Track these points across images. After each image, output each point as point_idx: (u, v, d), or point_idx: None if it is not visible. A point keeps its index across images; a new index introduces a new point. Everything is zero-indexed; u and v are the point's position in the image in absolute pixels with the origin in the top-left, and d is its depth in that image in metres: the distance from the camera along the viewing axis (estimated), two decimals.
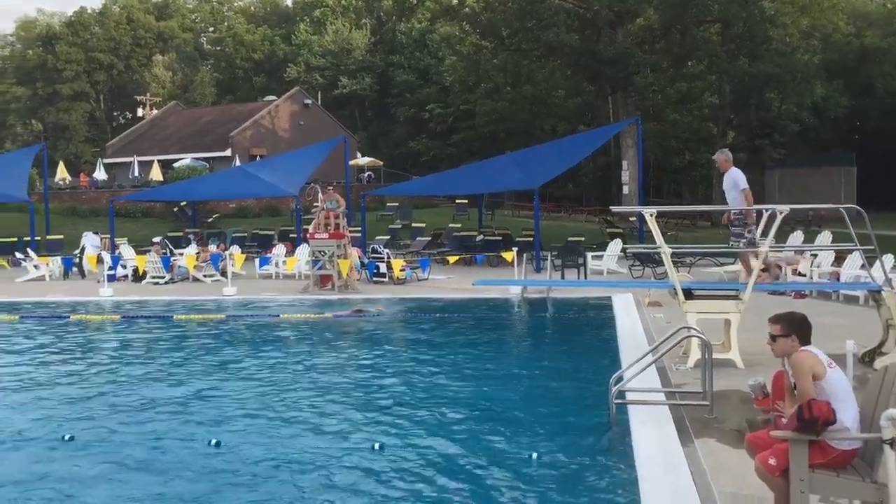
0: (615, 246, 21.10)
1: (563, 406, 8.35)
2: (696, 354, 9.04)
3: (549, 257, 18.71)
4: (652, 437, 6.75)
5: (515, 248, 19.11)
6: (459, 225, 29.61)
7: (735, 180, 11.63)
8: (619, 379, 7.52)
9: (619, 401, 7.38)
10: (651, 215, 9.47)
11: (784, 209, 9.28)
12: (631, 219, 27.41)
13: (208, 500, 5.93)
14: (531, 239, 22.93)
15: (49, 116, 65.90)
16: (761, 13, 33.25)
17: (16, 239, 26.45)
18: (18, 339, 13.28)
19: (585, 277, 18.95)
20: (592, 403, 8.00)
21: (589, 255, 20.21)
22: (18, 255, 23.59)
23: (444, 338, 13.10)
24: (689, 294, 9.52)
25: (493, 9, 34.70)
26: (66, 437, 7.36)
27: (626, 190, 32.01)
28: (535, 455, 6.67)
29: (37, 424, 7.96)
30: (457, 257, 19.57)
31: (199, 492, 6.08)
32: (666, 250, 9.38)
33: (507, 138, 46.27)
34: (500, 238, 24.46)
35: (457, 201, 37.07)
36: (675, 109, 42.98)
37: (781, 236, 16.17)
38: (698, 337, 7.83)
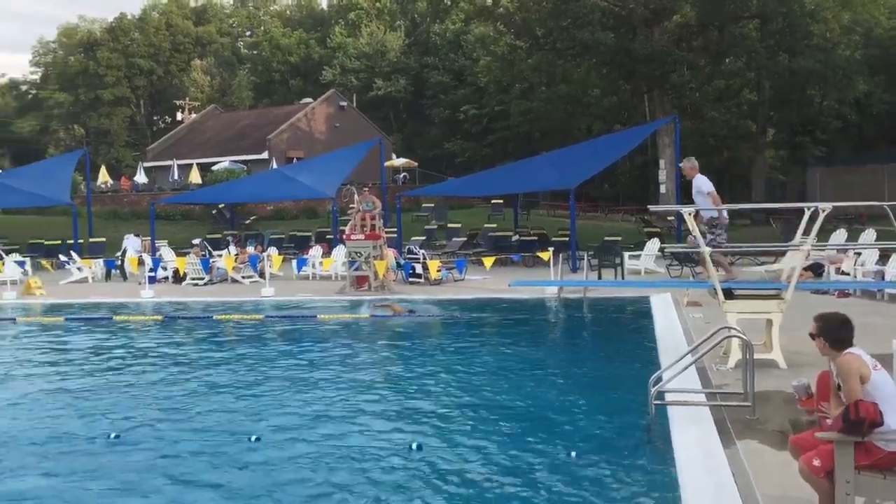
0: (653, 245, 20.91)
1: (601, 406, 8.30)
2: (736, 355, 8.92)
3: (585, 257, 18.60)
4: (692, 438, 6.68)
5: (551, 248, 19.04)
6: (495, 225, 29.58)
7: (699, 186, 11.51)
8: (659, 379, 7.45)
9: (659, 402, 7.31)
10: (690, 214, 9.37)
11: (826, 207, 9.12)
12: (669, 218, 27.14)
13: (244, 496, 5.99)
14: (567, 239, 22.83)
15: (91, 121, 67.11)
16: (801, 8, 32.67)
17: (60, 242, 27.01)
18: (64, 341, 13.56)
19: (623, 277, 18.81)
20: (631, 404, 7.93)
21: (626, 254, 20.07)
22: (62, 257, 24.07)
23: (480, 338, 13.10)
24: (729, 294, 9.40)
25: (527, 8, 34.57)
26: (112, 436, 7.51)
27: (663, 189, 31.70)
28: (573, 454, 6.64)
29: (83, 423, 8.12)
30: (493, 259, 19.48)
31: (237, 488, 6.15)
32: (705, 249, 9.27)
33: (542, 138, 46.08)
34: (535, 238, 24.39)
35: (492, 202, 37.02)
36: (713, 107, 42.40)
37: (824, 234, 15.89)
38: (739, 337, 7.73)
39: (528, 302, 16.41)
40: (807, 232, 9.75)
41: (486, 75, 46.56)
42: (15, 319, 15.92)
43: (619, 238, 23.76)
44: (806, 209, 9.98)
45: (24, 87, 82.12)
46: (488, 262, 18.98)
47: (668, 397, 7.51)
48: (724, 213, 11.59)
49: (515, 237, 25.14)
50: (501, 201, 35.69)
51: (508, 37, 38.32)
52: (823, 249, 15.38)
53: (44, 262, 24.02)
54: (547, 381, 9.71)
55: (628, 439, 7.09)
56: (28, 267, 22.21)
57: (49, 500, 6.04)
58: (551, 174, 24.53)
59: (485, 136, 51.00)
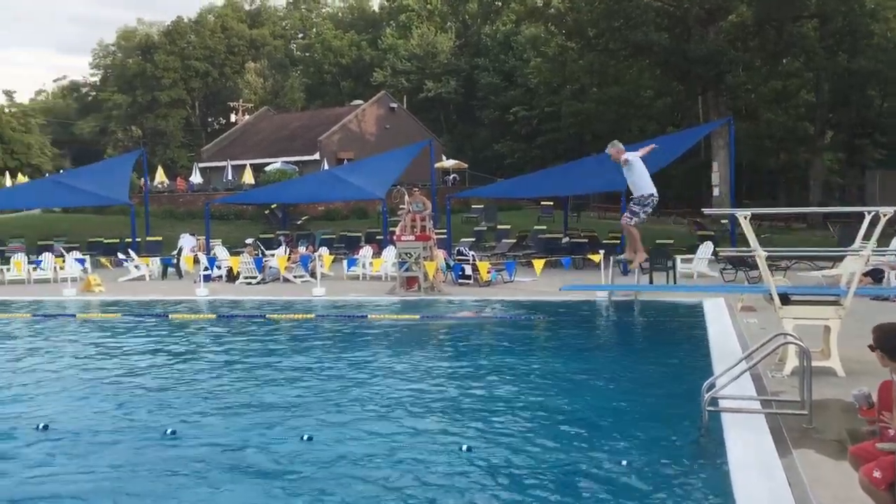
0: (705, 249, 20.60)
1: (652, 413, 8.21)
2: (793, 362, 8.74)
3: None
4: (747, 446, 6.56)
5: (602, 251, 18.88)
6: (545, 227, 29.47)
7: (625, 159, 12.61)
8: (712, 386, 7.34)
9: (712, 408, 7.20)
10: (745, 217, 9.21)
11: (888, 211, 8.88)
12: (722, 221, 26.69)
13: (297, 494, 6.08)
14: (618, 242, 22.61)
15: (148, 123, 68.68)
16: (861, 7, 31.86)
17: (118, 240, 27.69)
18: (121, 337, 13.90)
19: (675, 281, 18.58)
20: (683, 411, 7.83)
21: (678, 258, 19.80)
22: (121, 255, 24.67)
23: (530, 341, 13.07)
24: (785, 299, 9.21)
25: (579, 9, 34.33)
26: (169, 432, 7.68)
27: (716, 192, 31.19)
28: (624, 462, 6.58)
29: (139, 419, 8.32)
30: (543, 262, 19.36)
31: (291, 485, 6.24)
32: (761, 253, 9.10)
33: (594, 140, 45.70)
34: (586, 240, 24.22)
35: (542, 203, 36.87)
36: (770, 108, 41.57)
37: (884, 239, 15.47)
38: (796, 344, 7.57)
39: (578, 305, 16.31)
40: (867, 236, 9.50)
41: (536, 76, 46.42)
42: (76, 315, 16.38)
43: (671, 241, 23.46)
44: (866, 213, 9.73)
45: (84, 89, 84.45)
46: (539, 264, 18.85)
47: (722, 404, 7.39)
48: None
49: (565, 239, 24.99)
50: (551, 203, 35.53)
51: (560, 38, 38.10)
52: (884, 254, 14.97)
53: (103, 259, 24.64)
54: (597, 385, 9.64)
55: (680, 446, 7.00)
56: (88, 264, 22.83)
57: (110, 493, 6.20)
58: (602, 176, 24.29)
59: (535, 138, 50.82)
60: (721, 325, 12.72)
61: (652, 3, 32.93)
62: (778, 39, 33.51)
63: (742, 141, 33.97)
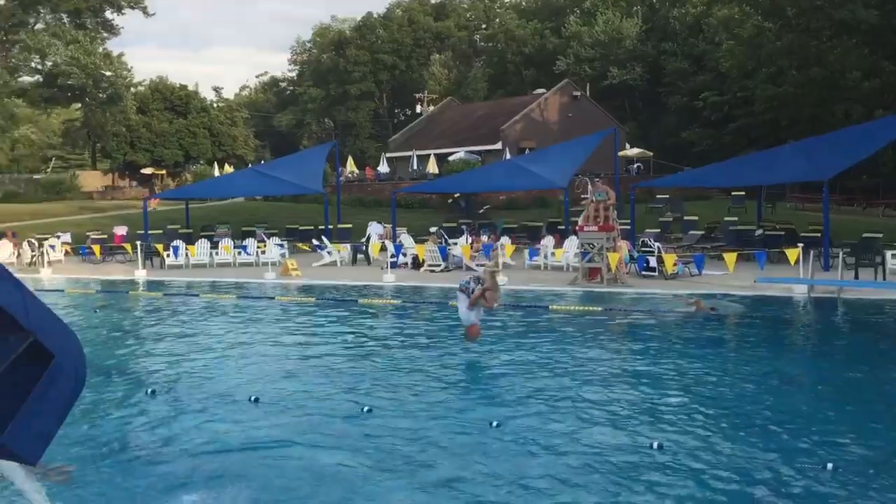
0: None
1: (857, 418, 7.64)
2: None
3: (840, 255, 17.08)
4: None
5: (801, 245, 17.69)
6: (736, 218, 28.03)
7: None
8: None
9: None
10: None
11: None
12: None
13: (484, 476, 6.17)
14: (819, 235, 21.13)
15: (339, 115, 72.17)
16: None
17: (312, 227, 29.32)
18: (316, 320, 14.72)
19: (885, 278, 17.12)
20: (892, 417, 7.22)
21: (888, 253, 18.20)
22: (315, 241, 26.11)
23: (721, 337, 12.53)
24: None
25: None
26: (365, 409, 8.12)
27: None
28: (829, 466, 6.17)
29: (338, 397, 8.79)
30: (735, 255, 18.28)
31: (481, 471, 6.36)
32: None
33: (790, 126, 42.94)
34: (782, 233, 22.80)
35: (732, 193, 35.11)
36: None
37: None
38: None
39: (772, 300, 15.43)
40: None
41: (728, 60, 44.14)
42: (274, 298, 17.54)
43: (881, 234, 21.58)
44: None
45: (282, 84, 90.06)
46: (731, 258, 17.86)
47: None
48: None
49: (759, 231, 23.64)
50: (743, 193, 33.73)
51: (755, 18, 36.06)
52: None
53: (301, 244, 26.19)
54: (796, 386, 9.09)
55: (892, 456, 6.46)
56: (286, 250, 24.34)
57: (313, 468, 6.60)
58: (801, 164, 22.80)
59: (725, 125, 48.49)
60: None
61: None
62: None
63: None
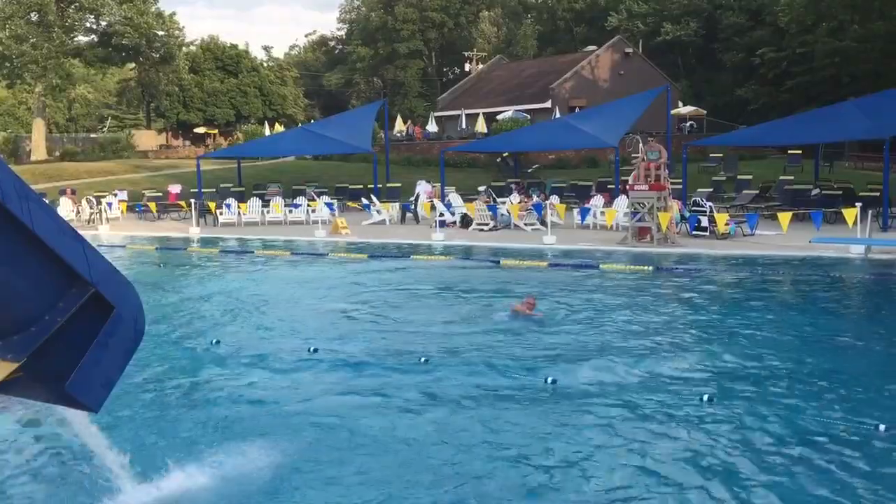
0: None
1: None
2: None
3: None
4: None
5: (859, 205, 17.23)
6: (791, 178, 27.39)
7: None
8: None
9: None
10: None
11: None
12: None
13: (537, 437, 6.29)
14: (878, 194, 20.58)
15: (388, 74, 71.93)
16: None
17: (361, 186, 29.50)
18: (368, 276, 14.91)
19: None
20: None
21: None
22: (364, 200, 26.30)
23: (776, 300, 12.38)
24: None
25: None
26: (422, 360, 8.44)
27: None
28: (882, 427, 6.15)
29: (391, 351, 9.00)
30: (790, 215, 17.86)
31: (528, 430, 6.47)
32: None
33: (852, 82, 41.58)
34: (840, 192, 22.25)
35: (788, 152, 34.26)
36: None
37: None
38: None
39: (827, 260, 15.14)
40: None
41: (787, 14, 42.76)
42: (327, 255, 17.81)
43: None
44: None
45: (331, 43, 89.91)
46: (785, 218, 17.44)
47: None
48: None
49: (816, 191, 23.11)
50: (800, 152, 32.90)
51: None
52: None
53: (351, 202, 26.36)
54: (850, 348, 8.99)
55: None
56: (336, 209, 24.59)
57: (367, 416, 6.80)
58: (861, 122, 22.12)
59: (783, 82, 47.13)
60: None
61: None
62: None
63: None
